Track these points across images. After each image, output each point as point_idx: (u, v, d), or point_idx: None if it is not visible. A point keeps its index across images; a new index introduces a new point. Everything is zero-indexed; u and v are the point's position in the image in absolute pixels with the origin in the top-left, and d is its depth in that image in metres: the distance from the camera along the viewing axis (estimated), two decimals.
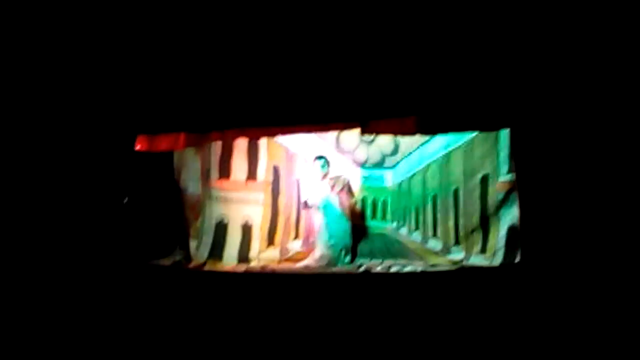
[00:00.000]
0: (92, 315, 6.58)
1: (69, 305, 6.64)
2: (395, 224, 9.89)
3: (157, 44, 6.97)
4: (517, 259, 6.74)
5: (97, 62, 7.04)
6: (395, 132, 7.65)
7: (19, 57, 6.92)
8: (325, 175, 9.10)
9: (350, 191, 9.25)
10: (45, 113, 7.05)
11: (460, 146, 8.52)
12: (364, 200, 10.10)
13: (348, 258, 8.86)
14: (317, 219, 9.15)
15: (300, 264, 8.84)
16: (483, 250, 8.01)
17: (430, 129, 7.09)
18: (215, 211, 8.90)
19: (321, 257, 8.82)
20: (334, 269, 8.41)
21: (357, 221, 9.37)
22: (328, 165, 9.18)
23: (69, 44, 6.96)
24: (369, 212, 10.20)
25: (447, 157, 8.92)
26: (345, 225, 9.07)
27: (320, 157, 9.18)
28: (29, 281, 6.69)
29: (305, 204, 9.27)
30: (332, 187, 9.06)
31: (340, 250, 8.89)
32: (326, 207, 9.05)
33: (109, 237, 7.14)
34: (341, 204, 9.08)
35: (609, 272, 5.74)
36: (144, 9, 6.81)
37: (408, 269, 8.05)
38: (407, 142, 9.24)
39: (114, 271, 7.01)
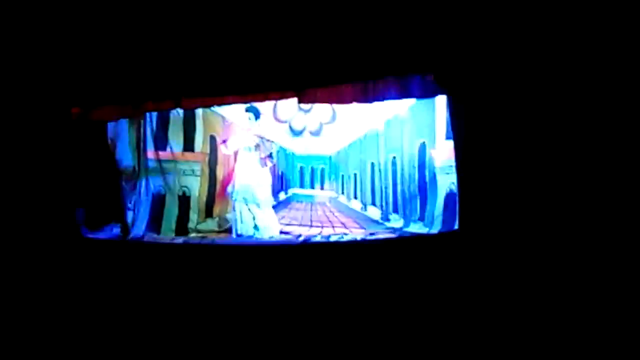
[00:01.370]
0: (32, 291, 6.48)
1: (8, 284, 6.53)
2: (333, 192, 9.90)
3: (91, 14, 6.82)
4: (456, 226, 6.77)
5: (34, 34, 6.88)
6: (332, 101, 7.65)
7: None
8: (252, 129, 9.02)
9: (271, 159, 9.13)
10: None
11: (397, 113, 8.54)
12: (302, 169, 10.09)
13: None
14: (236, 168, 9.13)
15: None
16: (421, 217, 8.07)
17: (368, 97, 7.07)
18: (151, 183, 8.78)
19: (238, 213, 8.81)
20: (273, 240, 8.38)
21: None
22: (257, 118, 9.05)
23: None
24: (307, 179, 10.21)
25: (386, 124, 8.94)
26: (260, 184, 9.04)
27: (250, 109, 9.01)
28: None
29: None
30: (257, 147, 8.96)
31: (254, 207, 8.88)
32: (245, 160, 9.02)
33: (44, 210, 7.01)
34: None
35: (547, 238, 5.81)
36: None
37: (347, 237, 8.08)
38: (345, 110, 9.20)
39: (51, 246, 6.90)
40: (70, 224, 7.26)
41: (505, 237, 5.94)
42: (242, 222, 8.69)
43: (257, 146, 8.94)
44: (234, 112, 9.18)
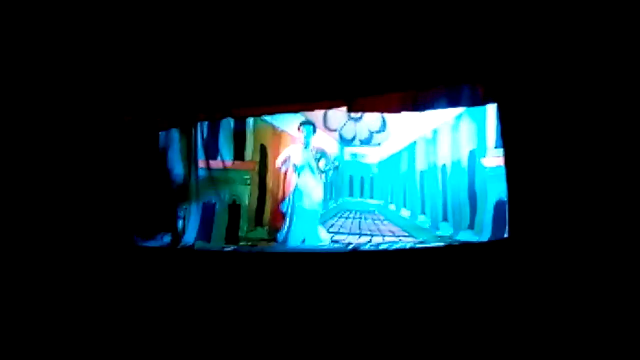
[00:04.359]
0: (84, 300, 6.58)
1: (60, 291, 6.63)
2: (383, 201, 9.86)
3: (143, 25, 6.93)
4: (505, 234, 6.74)
5: (84, 45, 7.00)
6: (382, 109, 7.68)
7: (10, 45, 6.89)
8: (309, 144, 9.14)
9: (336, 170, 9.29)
10: (32, 97, 7.02)
11: (447, 121, 8.51)
12: (351, 178, 10.08)
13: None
14: (292, 186, 9.17)
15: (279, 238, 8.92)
16: (471, 225, 8.03)
17: (417, 106, 7.07)
18: (202, 191, 8.85)
19: (290, 226, 8.88)
20: (322, 248, 8.40)
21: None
22: (314, 133, 9.19)
23: (54, 28, 6.92)
24: (357, 188, 10.20)
25: (434, 132, 8.91)
26: (318, 198, 9.15)
27: (304, 124, 9.16)
28: (17, 268, 6.67)
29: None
30: (318, 160, 9.07)
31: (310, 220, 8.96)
32: (303, 176, 9.10)
33: (96, 218, 7.11)
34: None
35: (597, 245, 5.76)
36: None
37: (397, 246, 8.07)
38: (395, 118, 9.19)
39: (101, 253, 7.00)
40: (122, 232, 7.34)
41: (556, 245, 5.91)
42: (291, 235, 8.76)
43: (318, 160, 9.05)
44: (284, 121, 9.23)
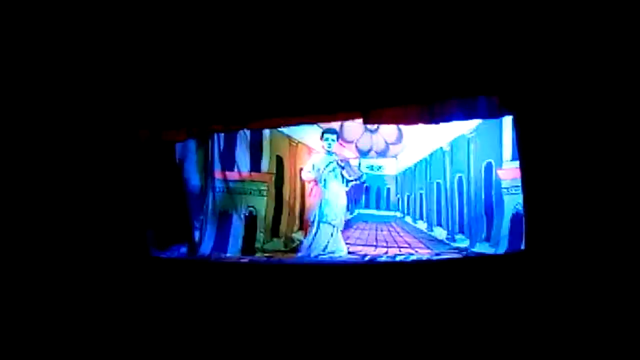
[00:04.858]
0: (98, 309, 6.59)
1: (75, 300, 6.65)
2: (399, 213, 9.86)
3: (158, 37, 6.96)
4: (522, 247, 6.71)
5: (100, 58, 7.03)
6: (399, 121, 7.69)
7: (22, 51, 6.93)
8: (332, 152, 9.24)
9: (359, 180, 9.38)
10: (51, 110, 7.05)
11: (463, 134, 8.51)
12: (368, 189, 10.08)
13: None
14: (318, 194, 9.24)
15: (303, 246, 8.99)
16: (487, 238, 8.02)
17: (433, 118, 7.07)
18: (218, 202, 8.91)
19: (316, 233, 8.96)
20: (339, 259, 8.41)
21: None
22: (337, 140, 9.25)
23: (72, 41, 6.95)
24: (373, 199, 10.20)
25: (451, 144, 8.91)
26: (343, 205, 9.24)
27: (327, 131, 9.21)
28: (32, 275, 6.70)
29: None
30: (343, 168, 9.15)
31: (335, 228, 9.00)
32: (328, 184, 9.17)
33: (114, 230, 7.13)
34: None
35: (615, 258, 5.73)
36: (145, 5, 6.82)
37: (413, 257, 8.07)
38: (411, 130, 9.19)
39: (119, 264, 7.02)
40: (139, 243, 7.36)
41: (572, 258, 5.88)
42: (315, 242, 8.82)
43: (342, 168, 9.11)
44: (300, 133, 9.26)
